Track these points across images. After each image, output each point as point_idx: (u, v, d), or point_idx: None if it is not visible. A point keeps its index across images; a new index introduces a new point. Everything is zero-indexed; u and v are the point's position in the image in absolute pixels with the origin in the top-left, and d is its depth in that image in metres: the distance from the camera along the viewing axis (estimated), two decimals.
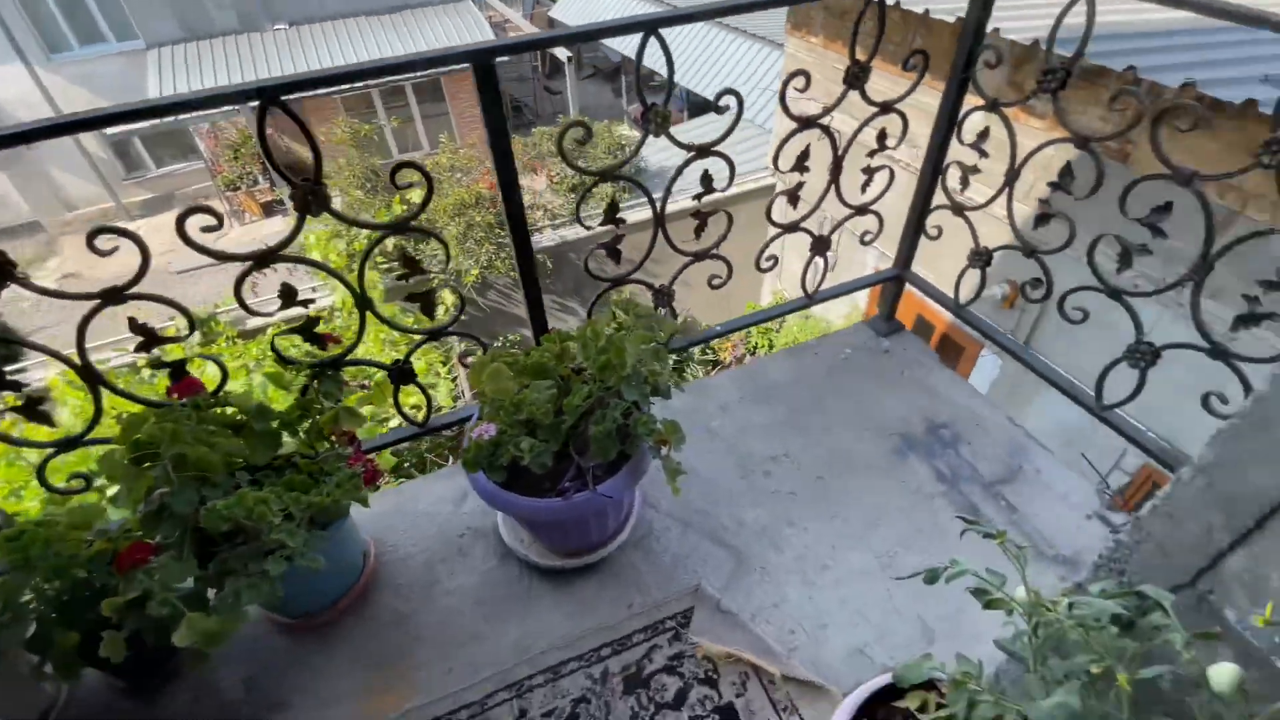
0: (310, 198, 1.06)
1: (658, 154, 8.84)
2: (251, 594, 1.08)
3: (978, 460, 1.64)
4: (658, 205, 1.43)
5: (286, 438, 1.28)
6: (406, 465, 4.69)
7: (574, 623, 1.38)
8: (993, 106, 1.45)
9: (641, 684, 1.29)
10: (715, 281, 1.63)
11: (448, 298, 4.78)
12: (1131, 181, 1.24)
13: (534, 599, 1.42)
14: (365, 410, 3.39)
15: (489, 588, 1.45)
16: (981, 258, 1.65)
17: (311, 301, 1.17)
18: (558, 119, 13.57)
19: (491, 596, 1.43)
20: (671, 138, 1.34)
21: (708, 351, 7.09)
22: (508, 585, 1.45)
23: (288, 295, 1.13)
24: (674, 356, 1.39)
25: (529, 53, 14.15)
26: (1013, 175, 1.48)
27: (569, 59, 12.26)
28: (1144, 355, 1.32)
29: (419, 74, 10.58)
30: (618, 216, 1.39)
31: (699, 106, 11.97)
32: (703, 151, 1.38)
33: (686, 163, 1.41)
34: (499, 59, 1.16)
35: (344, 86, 10.15)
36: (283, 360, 1.20)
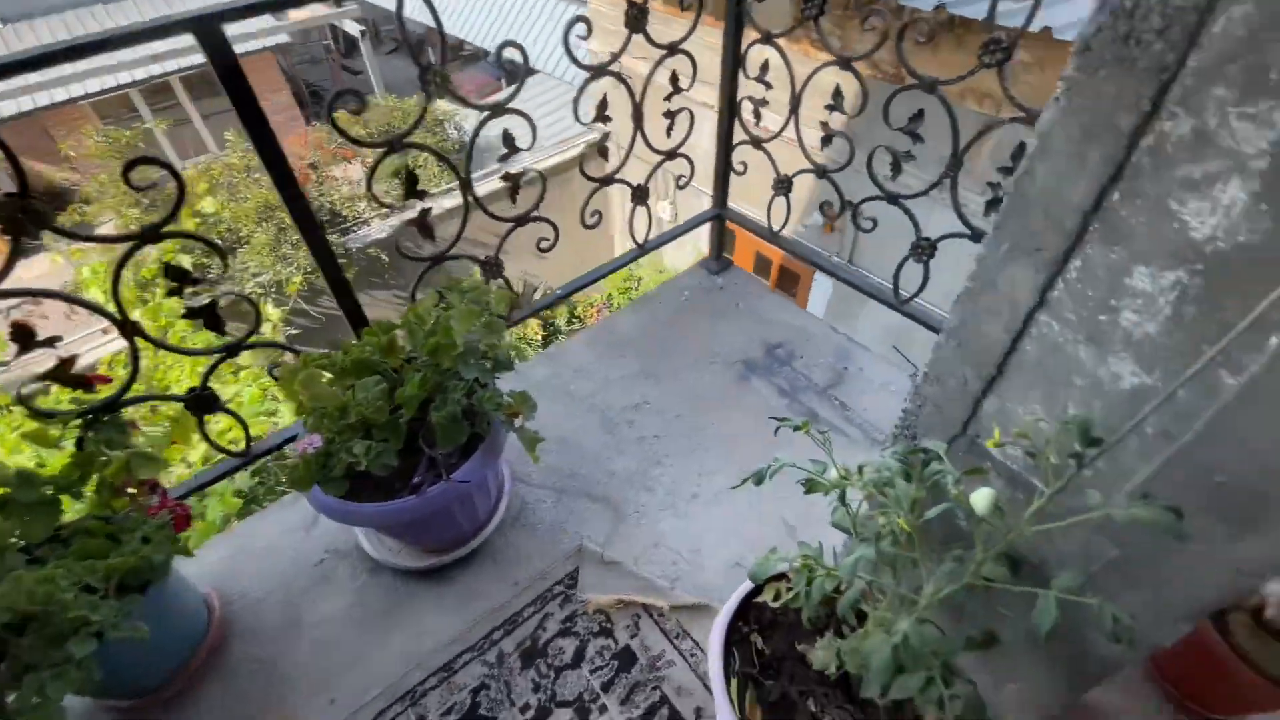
0: (21, 216, 0.88)
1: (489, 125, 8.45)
2: (59, 685, 0.92)
3: (811, 370, 1.79)
4: (461, 172, 1.36)
5: (70, 502, 1.09)
6: (265, 502, 4.24)
7: (462, 616, 1.34)
8: (766, 39, 1.53)
9: (539, 654, 1.29)
10: (543, 245, 1.60)
11: (268, 310, 4.32)
12: (891, 94, 1.37)
13: (415, 604, 1.36)
14: (194, 455, 3.00)
15: (362, 606, 1.36)
16: (784, 185, 1.76)
17: (59, 339, 0.99)
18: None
19: (366, 614, 1.35)
20: (459, 98, 1.28)
21: (574, 321, 7.05)
22: (383, 598, 1.37)
23: (22, 336, 0.94)
24: (542, 332, 1.35)
25: (317, 32, 12.78)
26: (795, 102, 1.58)
27: (363, 33, 11.23)
28: (924, 249, 1.49)
29: (187, 66, 9.16)
30: (419, 189, 1.30)
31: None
32: (496, 110, 1.32)
33: (482, 123, 1.35)
34: (233, 24, 1.02)
35: (95, 91, 8.61)
36: (37, 415, 1.01)
